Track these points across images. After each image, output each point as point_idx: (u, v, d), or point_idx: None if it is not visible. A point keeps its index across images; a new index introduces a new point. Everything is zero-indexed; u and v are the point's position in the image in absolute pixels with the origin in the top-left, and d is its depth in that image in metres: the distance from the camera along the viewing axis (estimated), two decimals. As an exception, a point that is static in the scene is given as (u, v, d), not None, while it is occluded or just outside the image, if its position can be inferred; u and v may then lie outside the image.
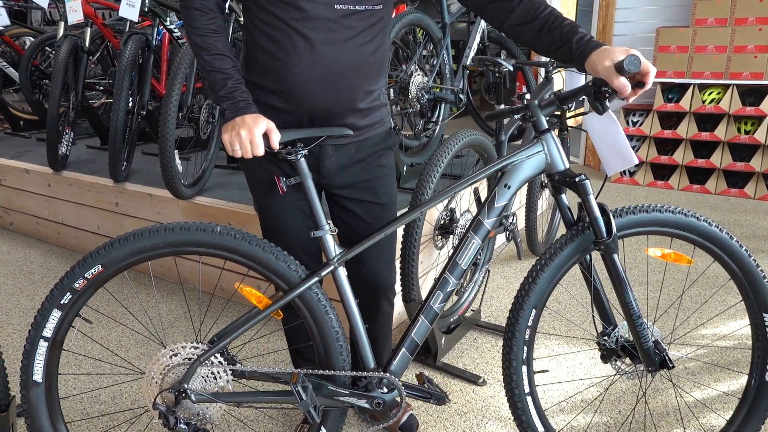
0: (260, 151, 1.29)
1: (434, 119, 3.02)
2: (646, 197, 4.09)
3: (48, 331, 1.38)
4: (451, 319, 2.22)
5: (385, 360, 1.50)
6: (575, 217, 1.44)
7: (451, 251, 1.46)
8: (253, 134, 1.28)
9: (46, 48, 4.63)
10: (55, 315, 1.38)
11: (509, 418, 1.85)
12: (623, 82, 1.17)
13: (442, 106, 3.07)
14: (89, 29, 3.37)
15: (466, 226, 2.36)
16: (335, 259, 1.41)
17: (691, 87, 4.18)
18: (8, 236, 3.68)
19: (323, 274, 1.40)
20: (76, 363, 2.25)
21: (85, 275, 1.37)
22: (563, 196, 1.45)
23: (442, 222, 2.17)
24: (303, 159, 1.39)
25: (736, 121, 4.12)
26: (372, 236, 1.42)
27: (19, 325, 2.56)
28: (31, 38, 4.58)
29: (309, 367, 1.47)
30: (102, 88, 4.23)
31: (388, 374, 1.43)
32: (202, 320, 2.49)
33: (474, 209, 2.43)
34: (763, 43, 3.93)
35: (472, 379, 2.04)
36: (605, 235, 1.35)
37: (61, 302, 1.37)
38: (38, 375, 1.39)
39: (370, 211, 1.56)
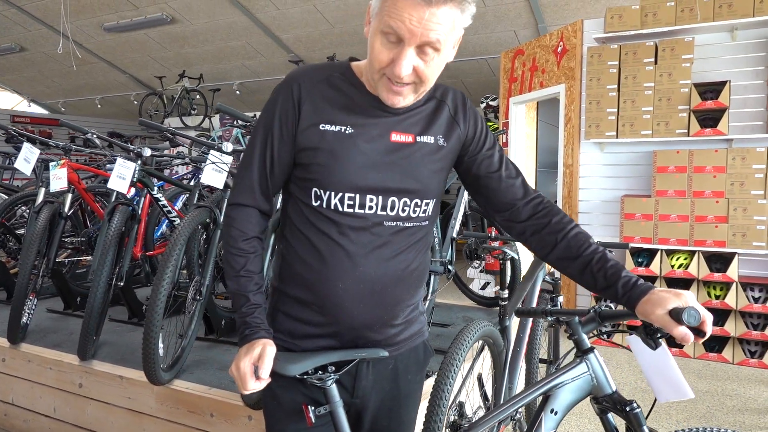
0: (250, 386, 1.20)
1: (427, 292, 2.98)
2: (627, 360, 4.06)
3: None
4: None
5: None
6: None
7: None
8: (240, 367, 1.20)
9: (17, 205, 4.51)
10: None
11: None
12: (684, 332, 1.13)
13: (432, 277, 3.05)
14: (70, 195, 3.29)
15: None
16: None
17: (659, 252, 4.37)
18: (-56, 416, 3.25)
19: None
20: None
21: None
22: (610, 416, 1.37)
23: (453, 419, 2.03)
24: (334, 385, 1.28)
25: (705, 285, 4.26)
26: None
27: None
28: (1, 195, 4.45)
29: None
30: (72, 246, 4.07)
31: None
32: None
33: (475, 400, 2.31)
34: (722, 213, 4.20)
35: None
36: (663, 473, 1.25)
37: None
38: None
39: (389, 429, 1.43)
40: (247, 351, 1.21)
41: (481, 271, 5.79)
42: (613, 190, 4.71)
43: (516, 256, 2.21)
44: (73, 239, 4.24)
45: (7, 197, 4.17)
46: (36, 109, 13.18)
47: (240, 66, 10.18)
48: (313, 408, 1.29)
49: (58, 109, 13.02)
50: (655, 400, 1.38)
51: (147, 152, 2.98)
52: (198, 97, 10.19)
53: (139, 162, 2.95)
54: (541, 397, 1.35)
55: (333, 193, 1.25)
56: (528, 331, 2.48)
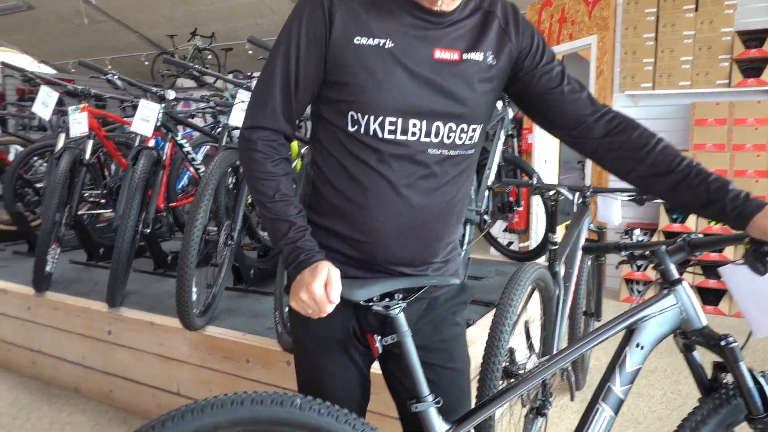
0: (327, 309, 1.10)
1: (463, 241, 2.87)
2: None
3: None
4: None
5: None
6: (709, 377, 1.24)
7: (578, 424, 1.23)
8: (313, 292, 1.08)
9: (34, 157, 4.42)
10: None
11: None
12: None
13: (468, 227, 2.93)
14: (91, 141, 3.18)
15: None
16: (443, 440, 1.15)
17: (695, 208, 4.22)
18: (-30, 365, 3.22)
19: (429, 461, 1.13)
20: None
21: (128, 467, 1.06)
22: (695, 353, 1.26)
23: (504, 365, 1.93)
24: (402, 313, 1.18)
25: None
26: (486, 407, 1.18)
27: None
28: (17, 146, 4.35)
29: None
30: (91, 198, 3.97)
31: None
32: None
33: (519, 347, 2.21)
34: (763, 168, 4.03)
35: None
36: (763, 411, 1.15)
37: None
38: None
39: (442, 377, 1.31)
40: (312, 275, 1.09)
41: (504, 231, 5.68)
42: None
43: (570, 196, 2.08)
44: (92, 192, 4.16)
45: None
46: (46, 71, 13.02)
47: (252, 25, 9.91)
48: (379, 337, 1.19)
49: (68, 70, 12.84)
50: (749, 335, 1.26)
51: (171, 95, 2.86)
52: (210, 57, 9.98)
53: (163, 105, 2.83)
54: (623, 332, 1.24)
55: (372, 118, 1.12)
56: (574, 279, 2.37)
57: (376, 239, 1.19)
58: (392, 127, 1.13)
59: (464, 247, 2.92)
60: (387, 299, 1.17)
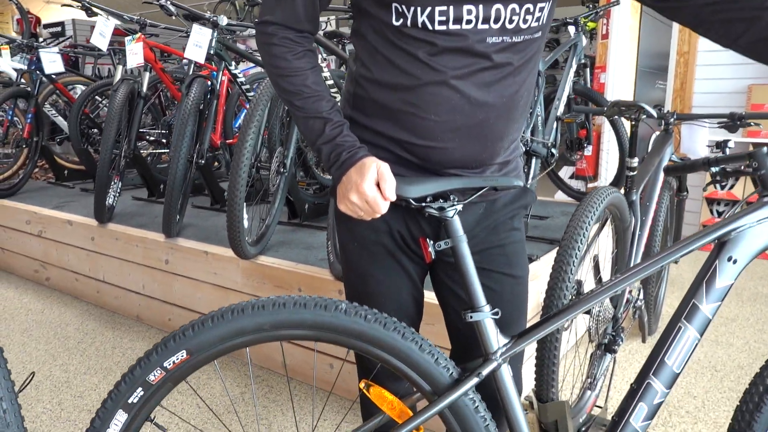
0: (383, 209, 0.98)
1: (527, 177, 2.68)
2: (743, 269, 3.65)
3: (108, 442, 1.01)
4: (580, 420, 1.79)
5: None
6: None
7: (654, 347, 1.08)
8: (364, 193, 0.97)
9: (97, 98, 4.51)
10: (120, 419, 1.01)
11: None
12: None
13: (534, 160, 2.74)
14: (148, 74, 3.17)
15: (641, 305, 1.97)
16: (500, 353, 1.03)
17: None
18: (43, 293, 3.37)
19: (484, 373, 1.02)
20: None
21: (164, 364, 1.01)
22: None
23: (571, 297, 1.78)
24: (457, 216, 1.05)
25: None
26: (550, 321, 1.05)
27: (49, 403, 2.19)
28: (83, 87, 4.44)
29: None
30: (152, 138, 4.02)
31: None
32: (315, 426, 2.00)
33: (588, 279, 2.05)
34: None
35: (623, 505, 1.58)
36: None
37: (129, 401, 1.01)
38: (89, 503, 1.01)
39: (499, 284, 1.19)
40: (360, 174, 0.98)
41: (570, 178, 5.39)
42: (737, 79, 4.11)
43: (654, 113, 1.85)
44: (152, 131, 4.21)
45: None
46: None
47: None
48: (432, 242, 1.07)
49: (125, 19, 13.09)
50: None
51: (224, 20, 2.77)
52: None
53: (215, 33, 2.75)
54: (714, 243, 1.07)
55: (419, 9, 0.97)
56: (651, 213, 2.15)
57: (429, 140, 1.07)
58: (443, 18, 0.97)
59: (529, 181, 2.74)
60: (441, 200, 1.05)
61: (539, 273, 2.18)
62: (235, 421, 2.05)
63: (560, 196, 3.83)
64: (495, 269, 1.17)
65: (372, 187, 0.97)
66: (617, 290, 1.06)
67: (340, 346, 1.04)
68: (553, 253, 2.39)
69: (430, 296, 1.27)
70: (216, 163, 3.99)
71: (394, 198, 0.98)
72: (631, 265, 2.02)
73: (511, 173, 1.18)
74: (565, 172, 5.44)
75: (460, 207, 1.05)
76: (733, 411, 1.14)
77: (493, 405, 1.07)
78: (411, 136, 1.08)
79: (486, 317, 1.04)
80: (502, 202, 1.18)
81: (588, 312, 1.73)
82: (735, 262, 1.05)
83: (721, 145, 1.83)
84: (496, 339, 1.04)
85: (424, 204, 1.04)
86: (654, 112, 1.86)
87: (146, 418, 1.03)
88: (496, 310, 1.05)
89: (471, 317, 1.04)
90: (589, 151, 5.40)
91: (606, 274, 2.28)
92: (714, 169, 1.26)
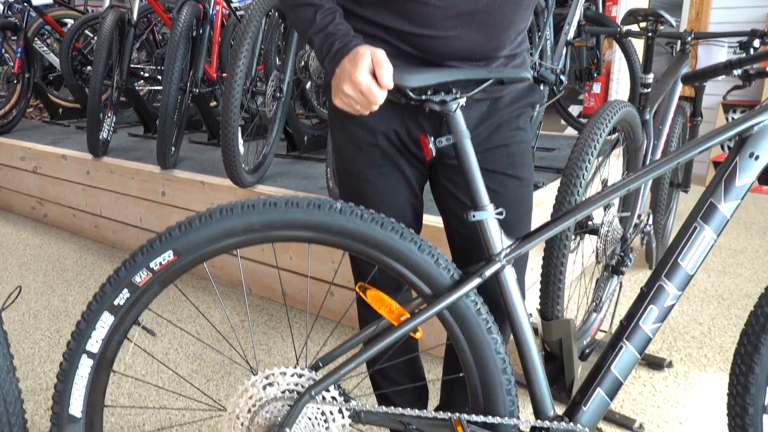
0: (379, 98, 0.91)
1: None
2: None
3: (94, 344, 0.97)
4: (584, 342, 1.76)
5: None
6: None
7: (669, 248, 1.02)
8: (358, 83, 0.89)
9: (88, 32, 4.35)
10: (106, 321, 0.97)
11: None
12: None
13: (542, 86, 2.63)
14: (138, 1, 3.03)
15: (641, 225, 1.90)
16: (503, 254, 0.98)
17: (807, 81, 3.67)
18: (41, 229, 3.34)
19: (487, 273, 0.97)
20: (131, 391, 1.84)
21: (151, 265, 0.96)
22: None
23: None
24: (459, 111, 0.97)
25: None
26: (558, 222, 0.99)
27: (48, 331, 2.18)
28: (72, 20, 4.28)
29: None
30: (147, 74, 3.89)
31: (580, 427, 0.98)
32: (309, 333, 1.96)
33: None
34: None
35: (626, 424, 1.57)
36: None
37: (115, 303, 0.96)
38: (77, 406, 0.98)
39: (505, 186, 1.12)
40: (354, 63, 0.90)
41: (578, 116, 5.27)
42: (755, 7, 3.92)
43: (672, 21, 1.74)
44: (147, 67, 4.07)
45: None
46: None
47: None
48: (432, 138, 1.00)
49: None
50: None
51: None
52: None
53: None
54: (735, 140, 0.99)
55: None
56: (664, 137, 2.07)
57: (429, 29, 0.98)
58: None
59: (536, 108, 2.63)
60: (443, 93, 0.97)
61: (545, 199, 2.12)
62: (229, 335, 2.04)
63: (569, 131, 3.73)
64: (499, 170, 1.10)
65: (366, 75, 0.90)
66: (630, 188, 0.99)
67: (335, 248, 0.98)
68: (558, 182, 2.32)
69: (434, 219, 1.21)
70: (214, 101, 3.89)
71: (391, 85, 0.90)
72: (640, 197, 1.95)
73: (518, 68, 1.10)
74: (572, 112, 5.31)
75: (463, 101, 0.97)
76: (740, 335, 1.10)
77: (495, 315, 1.02)
78: (410, 25, 0.99)
79: (489, 216, 0.98)
80: (508, 99, 1.10)
81: (596, 232, 1.67)
82: (757, 158, 0.98)
83: (744, 45, 1.72)
84: (500, 240, 0.98)
85: (424, 97, 0.96)
86: (672, 21, 1.74)
87: (134, 321, 0.99)
88: (500, 209, 0.99)
89: (474, 216, 0.98)
90: (598, 88, 5.27)
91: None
92: (736, 72, 1.18)
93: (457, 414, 0.94)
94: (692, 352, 1.93)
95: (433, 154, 1.00)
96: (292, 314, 2.28)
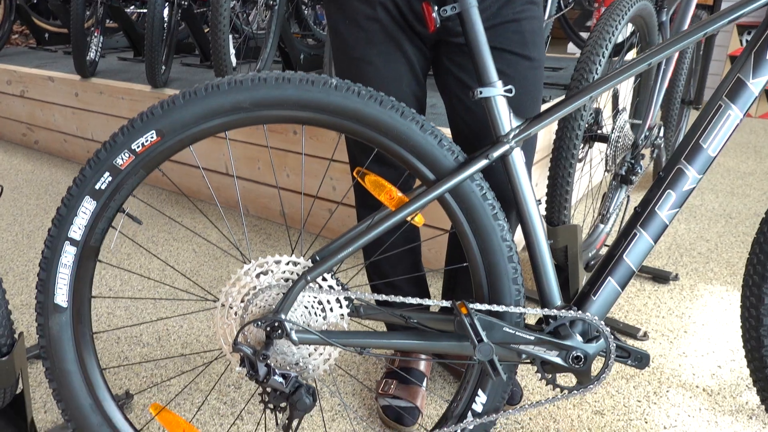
0: None
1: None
2: None
3: (77, 231, 0.92)
4: (589, 254, 1.72)
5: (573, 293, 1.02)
6: None
7: (687, 133, 0.95)
8: None
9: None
10: (88, 206, 0.91)
11: (696, 386, 1.37)
12: None
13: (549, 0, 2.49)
14: None
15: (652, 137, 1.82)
16: (512, 135, 0.91)
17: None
18: (33, 156, 3.26)
19: (494, 155, 0.90)
20: (119, 282, 1.81)
21: (132, 147, 0.89)
22: None
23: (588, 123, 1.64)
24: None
25: None
26: (568, 101, 0.91)
27: (41, 249, 2.13)
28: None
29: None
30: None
31: (589, 315, 0.94)
32: (304, 223, 1.88)
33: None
34: None
35: (630, 332, 1.55)
36: None
37: (96, 187, 0.90)
38: (62, 296, 0.94)
39: (514, 67, 1.04)
40: None
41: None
42: None
43: None
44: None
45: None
46: None
47: None
48: (437, 7, 0.91)
49: None
50: None
51: None
52: None
53: None
54: (766, 10, 0.90)
55: None
56: (673, 60, 1.95)
57: None
58: None
59: (545, 19, 2.50)
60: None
61: (551, 112, 2.03)
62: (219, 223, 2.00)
63: (572, 48, 3.58)
64: (508, 48, 1.02)
65: None
66: (652, 62, 0.91)
67: (330, 129, 0.91)
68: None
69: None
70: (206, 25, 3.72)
71: None
72: (653, 105, 1.86)
73: None
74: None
75: (470, -34, 0.88)
76: (751, 243, 1.05)
77: (501, 203, 0.95)
78: None
79: (497, 93, 0.90)
80: None
81: (606, 139, 1.60)
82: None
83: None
84: (508, 120, 0.91)
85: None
86: None
87: (117, 208, 0.94)
88: (509, 87, 0.91)
89: (480, 93, 0.90)
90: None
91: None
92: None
93: (465, 302, 0.90)
94: (698, 267, 1.89)
95: (437, 25, 0.91)
96: (291, 233, 2.24)
